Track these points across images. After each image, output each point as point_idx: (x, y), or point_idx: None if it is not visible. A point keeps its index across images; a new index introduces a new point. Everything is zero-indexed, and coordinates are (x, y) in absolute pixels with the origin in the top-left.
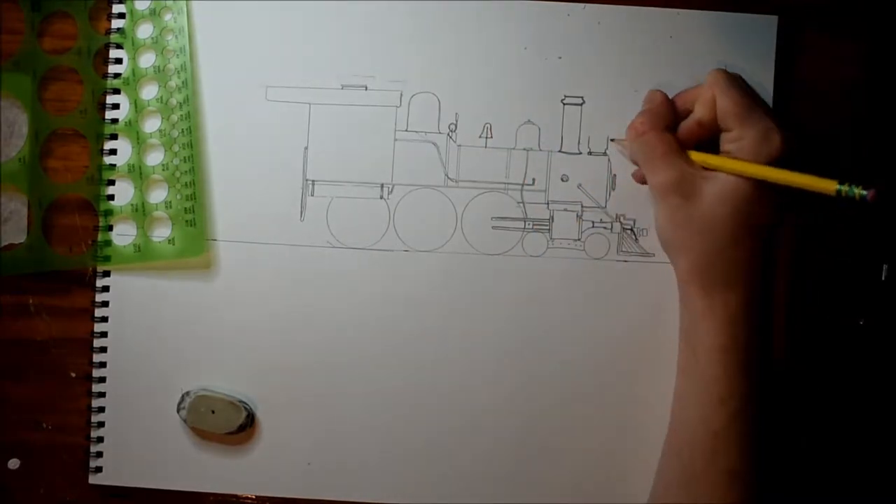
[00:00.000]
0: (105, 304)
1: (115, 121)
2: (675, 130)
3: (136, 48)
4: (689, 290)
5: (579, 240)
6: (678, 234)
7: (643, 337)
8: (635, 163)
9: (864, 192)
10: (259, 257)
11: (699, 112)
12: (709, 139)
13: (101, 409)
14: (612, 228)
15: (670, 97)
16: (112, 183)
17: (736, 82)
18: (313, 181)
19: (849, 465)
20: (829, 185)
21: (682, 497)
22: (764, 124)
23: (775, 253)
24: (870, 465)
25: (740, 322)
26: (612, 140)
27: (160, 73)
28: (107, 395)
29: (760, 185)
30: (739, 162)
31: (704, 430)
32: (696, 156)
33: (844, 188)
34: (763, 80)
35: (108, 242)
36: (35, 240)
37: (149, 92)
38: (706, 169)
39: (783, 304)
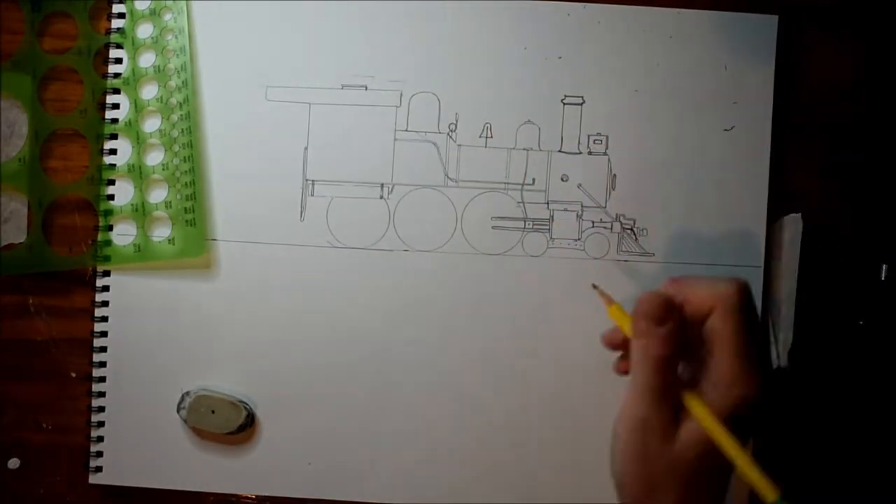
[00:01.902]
0: (105, 304)
1: (115, 121)
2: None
3: (136, 48)
4: None
5: (579, 239)
6: (629, 470)
7: None
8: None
9: None
10: (259, 257)
11: (691, 307)
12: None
13: (101, 409)
14: (612, 228)
15: (674, 278)
16: (112, 183)
17: (746, 308)
18: (313, 181)
19: (849, 465)
20: (770, 494)
21: None
22: (745, 368)
23: None
24: (870, 465)
25: None
26: (594, 286)
27: (160, 73)
28: (107, 395)
29: (731, 409)
30: (706, 415)
31: None
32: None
33: None
34: (763, 80)
35: (108, 242)
36: (35, 240)
37: (149, 92)
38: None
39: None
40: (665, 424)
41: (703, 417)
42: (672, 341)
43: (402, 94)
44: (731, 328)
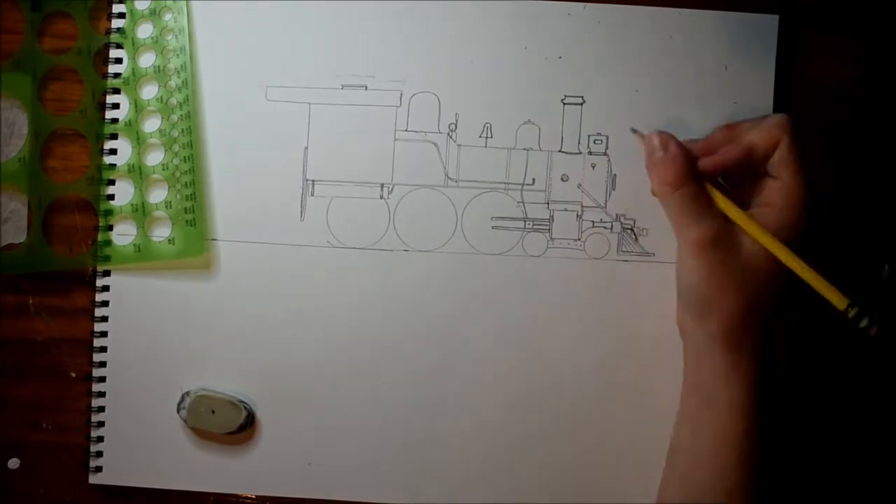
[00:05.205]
0: (105, 304)
1: (115, 121)
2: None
3: (136, 48)
4: (711, 347)
5: (579, 240)
6: (717, 292)
7: (643, 336)
8: (670, 216)
9: (867, 325)
10: (259, 257)
11: (756, 139)
12: (737, 174)
13: (101, 409)
14: (612, 228)
15: (727, 123)
16: (112, 183)
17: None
18: (313, 181)
19: (850, 466)
20: (840, 301)
21: None
22: (807, 189)
23: None
24: (871, 466)
25: (758, 380)
26: (633, 130)
27: (160, 73)
28: (107, 395)
29: (798, 230)
30: (761, 232)
31: (722, 488)
32: (722, 204)
33: (852, 311)
34: (763, 80)
35: (108, 242)
36: (35, 240)
37: (149, 92)
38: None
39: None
40: (724, 238)
41: (758, 234)
42: (681, 160)
43: (402, 94)
44: (797, 153)
